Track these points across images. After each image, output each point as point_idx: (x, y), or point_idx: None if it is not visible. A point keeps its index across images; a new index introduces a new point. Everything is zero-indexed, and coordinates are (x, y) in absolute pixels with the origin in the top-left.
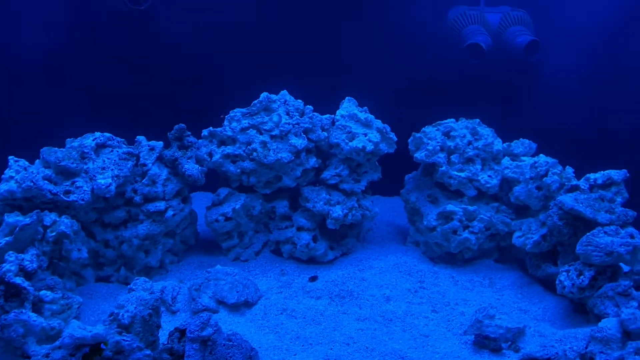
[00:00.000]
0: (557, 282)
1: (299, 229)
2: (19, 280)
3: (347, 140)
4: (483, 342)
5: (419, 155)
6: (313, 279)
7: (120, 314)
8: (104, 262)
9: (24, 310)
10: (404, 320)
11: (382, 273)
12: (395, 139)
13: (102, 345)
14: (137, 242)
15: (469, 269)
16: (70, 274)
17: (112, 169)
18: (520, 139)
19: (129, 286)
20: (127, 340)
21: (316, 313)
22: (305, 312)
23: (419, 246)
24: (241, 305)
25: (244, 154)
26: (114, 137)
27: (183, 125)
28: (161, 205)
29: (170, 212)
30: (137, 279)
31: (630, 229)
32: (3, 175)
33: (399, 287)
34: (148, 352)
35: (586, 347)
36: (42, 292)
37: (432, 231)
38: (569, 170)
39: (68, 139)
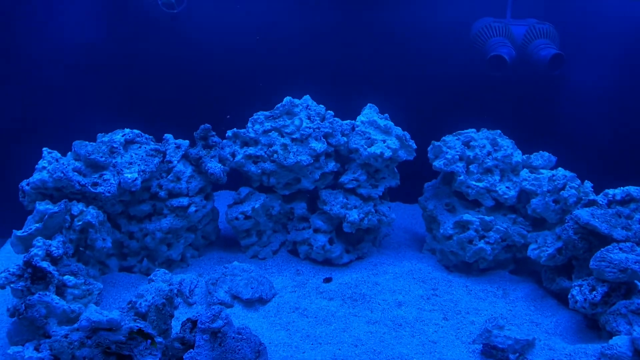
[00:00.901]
0: (569, 296)
1: (316, 230)
2: (45, 264)
3: (365, 146)
4: (490, 352)
5: (437, 163)
6: (327, 280)
7: (138, 302)
8: (127, 253)
9: (47, 293)
10: (414, 326)
11: (396, 278)
12: (414, 146)
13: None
14: (160, 235)
15: (483, 279)
16: (95, 263)
17: (138, 164)
18: (540, 151)
19: (149, 277)
20: (140, 327)
21: (328, 313)
22: (317, 312)
23: (435, 254)
24: (255, 301)
25: (265, 156)
26: (143, 134)
27: (209, 125)
28: (184, 201)
29: (192, 208)
30: (157, 271)
31: None
32: (37, 166)
33: (411, 293)
34: (160, 339)
35: None
36: (66, 277)
37: (448, 239)
38: (587, 184)
39: (99, 134)
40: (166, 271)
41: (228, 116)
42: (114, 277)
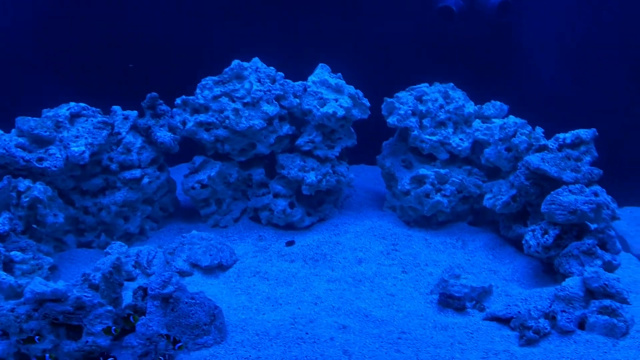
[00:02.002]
0: (523, 242)
1: (276, 195)
2: None
3: (318, 107)
4: (447, 301)
5: (391, 120)
6: (290, 243)
7: (92, 275)
8: (84, 229)
9: None
10: (373, 281)
11: (357, 237)
12: (368, 104)
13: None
14: (115, 209)
15: (442, 231)
16: (49, 239)
17: (86, 137)
18: (492, 101)
19: (105, 250)
20: (87, 296)
21: (288, 275)
22: (277, 274)
23: (395, 211)
24: (215, 268)
25: (217, 122)
26: (89, 107)
27: (155, 94)
28: (137, 172)
29: (146, 180)
30: (113, 243)
31: (595, 187)
32: None
33: (372, 250)
34: (110, 308)
35: (550, 306)
36: (13, 253)
37: (406, 195)
38: (539, 130)
39: (44, 110)
40: (122, 244)
41: (131, 65)
42: (71, 253)
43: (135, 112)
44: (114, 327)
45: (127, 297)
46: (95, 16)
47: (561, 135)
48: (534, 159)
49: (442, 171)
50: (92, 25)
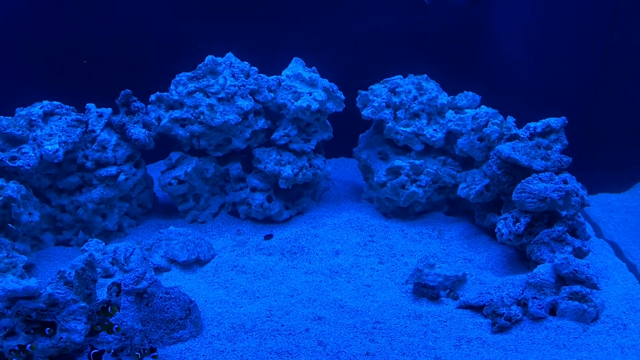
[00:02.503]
0: (496, 230)
1: (253, 189)
2: None
3: (293, 100)
4: (422, 290)
5: (365, 112)
6: (268, 237)
7: (67, 272)
8: (62, 227)
9: None
10: (350, 272)
11: (335, 229)
12: (343, 97)
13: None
14: (92, 207)
15: (419, 222)
16: (26, 238)
17: (59, 136)
18: (465, 91)
19: (82, 247)
20: (60, 293)
21: (266, 268)
22: (255, 267)
23: (372, 202)
24: (192, 263)
25: (192, 118)
26: (63, 105)
27: (129, 90)
28: (113, 170)
29: (122, 177)
30: (90, 241)
31: (565, 175)
32: None
33: (349, 242)
34: (83, 304)
35: (522, 293)
36: None
37: (383, 187)
38: (510, 119)
39: (17, 108)
40: (99, 241)
41: (85, 61)
42: (49, 251)
43: (109, 110)
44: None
45: (105, 294)
46: (66, 13)
47: (532, 124)
48: (505, 148)
49: (417, 162)
50: (64, 23)
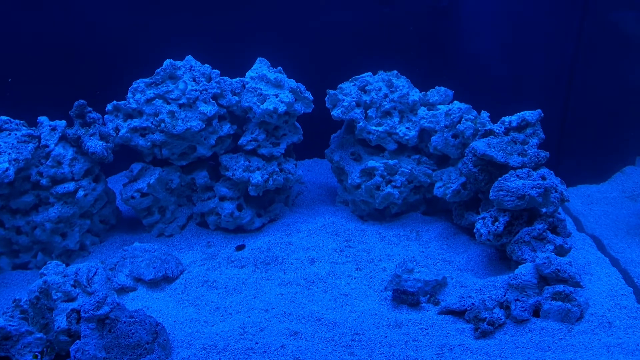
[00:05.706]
0: (474, 230)
1: (222, 198)
2: None
3: (258, 103)
4: (401, 297)
5: (335, 112)
6: (240, 247)
7: (23, 300)
8: (19, 249)
9: None
10: (326, 281)
11: (310, 235)
12: (311, 97)
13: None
14: (50, 226)
15: (396, 223)
16: None
17: (9, 153)
18: (437, 87)
19: (40, 271)
20: (13, 325)
21: (238, 282)
22: (227, 282)
23: (348, 205)
24: (160, 280)
25: (153, 126)
26: (12, 120)
27: (83, 101)
28: (70, 186)
29: (81, 192)
30: (49, 263)
31: (543, 170)
32: None
33: (325, 248)
34: (40, 335)
35: (504, 295)
36: None
37: (357, 189)
38: (484, 115)
39: None
40: (59, 263)
41: (10, 79)
42: (5, 276)
43: (63, 122)
44: (39, 355)
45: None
46: (15, 18)
47: (507, 119)
48: (480, 144)
49: (391, 162)
50: (11, 28)
